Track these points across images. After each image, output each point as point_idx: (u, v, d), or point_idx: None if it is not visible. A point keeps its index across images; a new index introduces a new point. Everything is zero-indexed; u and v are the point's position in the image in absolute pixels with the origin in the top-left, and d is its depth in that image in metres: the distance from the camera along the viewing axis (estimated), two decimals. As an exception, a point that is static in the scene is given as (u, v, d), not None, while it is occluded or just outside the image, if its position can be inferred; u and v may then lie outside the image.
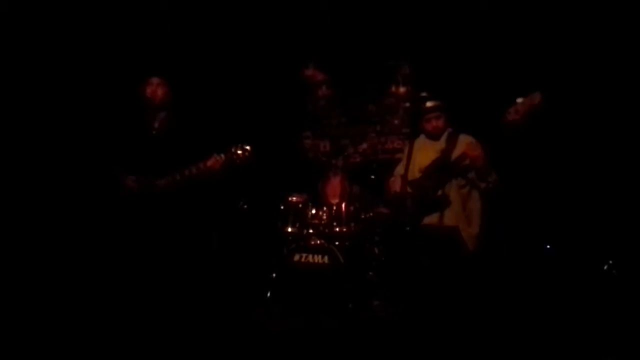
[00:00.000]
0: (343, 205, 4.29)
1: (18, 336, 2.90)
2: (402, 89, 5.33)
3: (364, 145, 5.39)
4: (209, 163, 3.09)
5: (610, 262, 3.95)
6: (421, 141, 3.52)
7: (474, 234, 3.24)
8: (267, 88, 5.10)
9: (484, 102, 4.20)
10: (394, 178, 3.56)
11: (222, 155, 3.10)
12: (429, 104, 3.39)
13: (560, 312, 3.56)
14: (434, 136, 3.43)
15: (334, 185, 4.64)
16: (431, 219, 3.25)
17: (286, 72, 5.21)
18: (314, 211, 4.31)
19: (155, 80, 3.27)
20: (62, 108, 4.04)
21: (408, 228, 3.26)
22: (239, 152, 3.10)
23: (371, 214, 4.34)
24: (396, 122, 5.35)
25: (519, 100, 2.83)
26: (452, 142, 3.34)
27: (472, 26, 4.57)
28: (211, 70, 4.85)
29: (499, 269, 3.83)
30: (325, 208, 4.31)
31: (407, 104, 5.29)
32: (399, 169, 3.63)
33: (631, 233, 4.00)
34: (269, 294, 4.06)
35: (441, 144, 3.38)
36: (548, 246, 4.29)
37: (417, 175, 3.40)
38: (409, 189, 3.37)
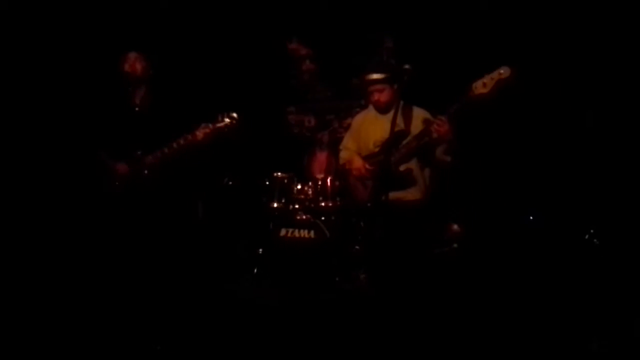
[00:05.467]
0: (328, 180, 4.29)
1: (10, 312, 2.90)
2: (386, 63, 5.29)
3: (349, 120, 5.34)
4: (197, 133, 3.09)
5: (592, 231, 4.02)
6: (372, 114, 3.42)
7: (424, 202, 3.27)
8: (250, 63, 5.04)
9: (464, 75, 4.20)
10: (352, 155, 3.46)
11: (210, 125, 3.09)
12: (372, 76, 3.25)
13: (545, 286, 3.61)
14: (381, 109, 3.31)
15: (320, 161, 4.64)
16: (396, 195, 3.15)
17: (269, 46, 5.15)
18: (299, 186, 4.31)
19: (132, 54, 3.23)
20: (41, 92, 3.96)
21: (369, 204, 3.21)
22: (227, 120, 3.09)
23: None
24: (381, 96, 5.31)
25: (488, 74, 2.81)
26: (407, 115, 3.23)
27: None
28: (193, 44, 4.77)
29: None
30: (310, 183, 4.31)
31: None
32: (348, 143, 3.55)
33: (612, 201, 4.06)
34: (255, 270, 4.09)
35: (397, 117, 3.17)
36: (530, 217, 4.35)
37: (373, 150, 3.32)
38: (367, 166, 3.29)
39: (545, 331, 2.94)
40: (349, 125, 5.37)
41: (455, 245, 4.07)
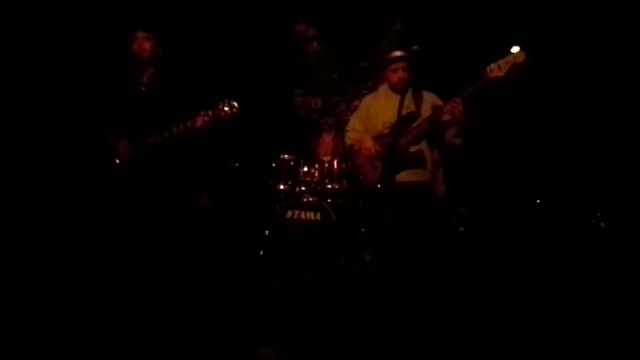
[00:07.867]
0: (335, 163, 4.29)
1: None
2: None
3: (356, 102, 5.32)
4: (196, 120, 3.06)
5: (599, 215, 4.01)
6: (381, 95, 3.39)
7: (443, 190, 3.25)
8: (257, 44, 5.01)
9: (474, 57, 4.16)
10: (361, 135, 3.42)
11: (210, 112, 3.07)
12: (397, 53, 3.26)
13: (551, 270, 3.61)
14: (399, 89, 3.26)
15: (326, 143, 4.63)
16: (403, 177, 3.16)
17: (276, 27, 5.11)
18: (305, 168, 4.31)
19: (141, 34, 3.19)
20: (46, 68, 3.95)
21: (379, 186, 3.18)
22: (226, 108, 3.05)
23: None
24: (388, 78, 5.27)
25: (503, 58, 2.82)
26: (417, 97, 3.22)
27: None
28: (201, 26, 4.74)
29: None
30: (317, 165, 4.31)
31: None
32: (355, 124, 3.51)
33: (620, 186, 4.04)
34: (262, 251, 4.11)
35: (407, 99, 3.21)
36: (537, 201, 4.34)
37: (383, 131, 3.29)
38: (377, 147, 3.26)
39: (549, 317, 2.95)
40: (355, 108, 5.38)
41: (462, 228, 4.08)
